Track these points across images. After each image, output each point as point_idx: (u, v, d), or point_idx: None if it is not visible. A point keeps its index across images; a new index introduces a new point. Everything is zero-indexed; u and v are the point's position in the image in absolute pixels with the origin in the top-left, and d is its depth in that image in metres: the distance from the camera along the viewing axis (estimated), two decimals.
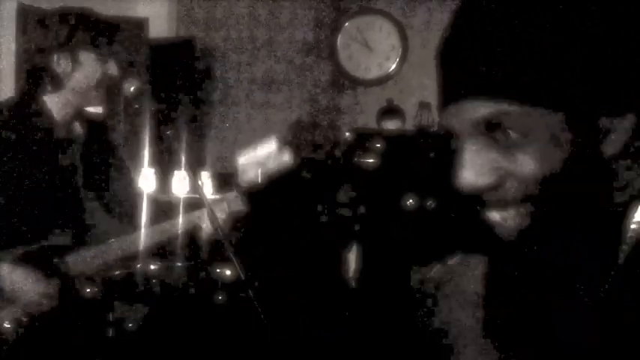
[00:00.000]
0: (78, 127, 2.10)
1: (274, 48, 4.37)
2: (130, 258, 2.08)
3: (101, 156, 2.14)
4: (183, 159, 2.16)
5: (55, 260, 1.95)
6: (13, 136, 1.95)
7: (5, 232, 1.90)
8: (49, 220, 1.99)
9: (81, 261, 1.98)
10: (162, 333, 2.14)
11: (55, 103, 2.02)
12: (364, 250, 3.29)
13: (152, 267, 2.32)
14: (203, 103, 4.45)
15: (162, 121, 2.27)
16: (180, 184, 3.62)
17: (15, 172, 1.93)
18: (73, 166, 2.06)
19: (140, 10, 4.20)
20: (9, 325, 1.87)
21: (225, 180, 3.77)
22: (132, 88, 2.04)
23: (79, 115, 2.07)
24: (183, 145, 2.20)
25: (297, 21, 4.32)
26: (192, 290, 2.42)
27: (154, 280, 2.19)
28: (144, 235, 2.05)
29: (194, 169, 2.19)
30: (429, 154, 3.67)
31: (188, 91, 4.16)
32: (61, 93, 2.01)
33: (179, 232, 2.05)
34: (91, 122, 2.12)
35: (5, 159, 1.92)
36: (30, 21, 3.75)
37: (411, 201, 3.65)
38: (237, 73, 4.45)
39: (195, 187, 2.12)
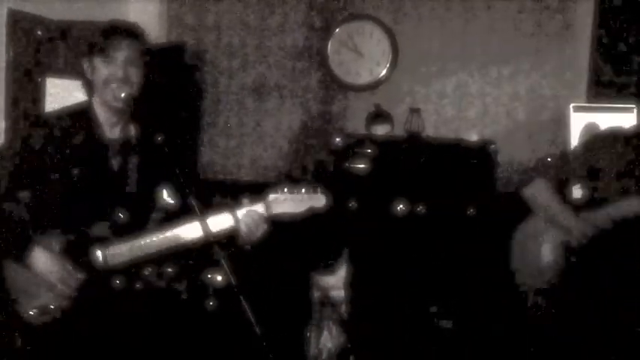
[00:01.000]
0: (132, 130, 2.24)
1: (265, 54, 4.37)
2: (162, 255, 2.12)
3: (153, 158, 2.20)
4: (174, 164, 2.16)
5: (95, 250, 2.07)
6: (67, 147, 2.12)
7: (55, 220, 2.10)
8: (93, 213, 2.12)
9: (118, 252, 2.08)
10: (152, 337, 2.14)
11: (99, 107, 2.19)
12: (355, 257, 3.29)
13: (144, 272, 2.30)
14: (193, 109, 4.45)
15: (153, 126, 2.29)
16: (168, 193, 3.60)
17: (66, 171, 2.10)
18: (124, 166, 2.19)
19: (130, 15, 4.19)
20: (35, 311, 2.00)
21: (215, 187, 3.77)
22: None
23: (126, 117, 2.21)
24: (174, 151, 2.20)
25: (288, 27, 4.33)
26: (184, 295, 2.41)
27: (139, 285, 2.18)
28: (177, 233, 2.09)
29: (184, 176, 2.19)
30: (419, 159, 3.68)
31: (178, 96, 4.15)
32: (96, 96, 2.18)
33: (212, 233, 2.07)
34: (144, 125, 2.24)
35: (56, 160, 2.10)
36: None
37: (401, 206, 3.66)
38: (228, 78, 4.45)
39: (184, 199, 2.12)
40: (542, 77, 3.97)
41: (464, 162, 3.63)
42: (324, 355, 2.88)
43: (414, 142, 3.79)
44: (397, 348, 3.13)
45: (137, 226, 2.16)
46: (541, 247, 2.62)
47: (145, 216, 2.21)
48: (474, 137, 3.80)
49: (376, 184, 3.64)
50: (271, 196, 2.14)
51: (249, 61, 4.41)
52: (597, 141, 2.63)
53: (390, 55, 4.10)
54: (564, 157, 2.73)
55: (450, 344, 3.39)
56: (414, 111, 3.87)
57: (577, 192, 2.68)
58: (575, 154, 2.72)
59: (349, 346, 2.89)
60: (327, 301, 2.90)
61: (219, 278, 2.34)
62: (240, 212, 2.12)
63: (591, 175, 2.59)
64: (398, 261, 3.56)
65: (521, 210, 3.40)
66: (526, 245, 2.68)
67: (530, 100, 4.00)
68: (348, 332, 2.91)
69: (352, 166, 3.66)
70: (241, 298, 1.97)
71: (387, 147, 3.72)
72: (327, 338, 2.92)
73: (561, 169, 2.69)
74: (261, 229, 2.13)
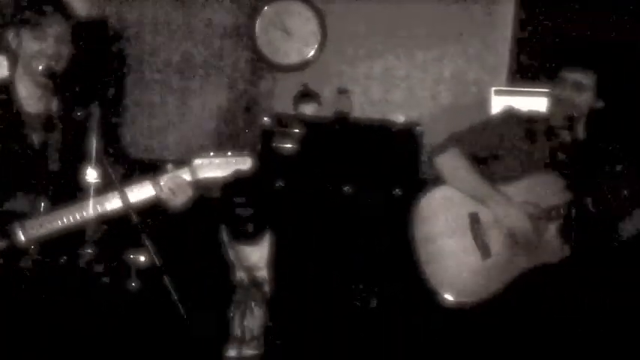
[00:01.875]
0: (54, 105, 2.20)
1: (191, 31, 4.27)
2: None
3: (76, 134, 2.18)
4: (94, 143, 2.10)
5: (14, 224, 2.02)
6: None
7: None
8: (13, 189, 2.09)
9: (36, 225, 2.04)
10: (73, 321, 2.08)
11: (23, 81, 2.15)
12: (281, 236, 3.28)
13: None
14: (116, 86, 4.31)
15: (74, 102, 2.24)
16: (90, 169, 3.48)
17: None
18: (46, 141, 2.15)
19: None
20: None
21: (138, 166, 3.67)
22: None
23: (50, 92, 2.16)
24: (95, 129, 2.14)
25: (215, 4, 4.24)
26: (105, 278, 2.34)
27: (62, 260, 2.12)
28: (96, 204, 2.06)
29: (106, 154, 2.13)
30: (346, 140, 3.70)
31: (100, 73, 4.02)
32: (20, 70, 2.14)
33: (131, 204, 2.03)
34: (67, 101, 2.21)
35: None
36: None
37: (329, 186, 3.68)
38: (153, 56, 4.33)
39: (106, 172, 2.08)
40: (466, 62, 4.06)
41: (390, 143, 3.68)
42: (247, 335, 2.87)
43: (341, 122, 3.81)
44: (321, 327, 3.16)
45: (60, 203, 2.10)
46: (447, 217, 2.60)
47: (67, 193, 2.14)
48: (400, 119, 3.86)
49: (304, 164, 3.64)
50: (196, 161, 2.13)
51: (175, 37, 4.29)
52: (511, 119, 2.69)
53: (319, 36, 4.09)
54: (474, 129, 2.74)
55: (374, 323, 3.45)
56: (342, 92, 3.89)
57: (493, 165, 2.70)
58: (484, 127, 2.74)
59: (272, 325, 2.89)
60: (250, 281, 2.89)
61: (142, 258, 2.28)
62: (163, 179, 2.10)
63: (499, 149, 2.64)
64: (324, 241, 3.58)
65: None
66: (431, 215, 2.63)
67: (454, 83, 4.09)
68: (271, 312, 2.91)
69: (280, 145, 3.64)
70: (165, 278, 1.94)
71: (314, 127, 3.72)
72: (251, 318, 2.91)
73: (471, 140, 2.70)
74: (186, 194, 2.12)
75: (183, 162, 2.13)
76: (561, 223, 2.48)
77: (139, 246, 2.16)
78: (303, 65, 4.14)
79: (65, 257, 2.13)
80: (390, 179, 3.63)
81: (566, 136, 2.56)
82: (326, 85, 4.07)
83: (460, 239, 2.56)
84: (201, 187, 2.14)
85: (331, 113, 3.87)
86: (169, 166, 2.13)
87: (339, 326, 3.27)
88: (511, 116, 2.71)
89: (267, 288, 3.03)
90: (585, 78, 2.49)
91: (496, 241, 2.53)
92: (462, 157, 2.65)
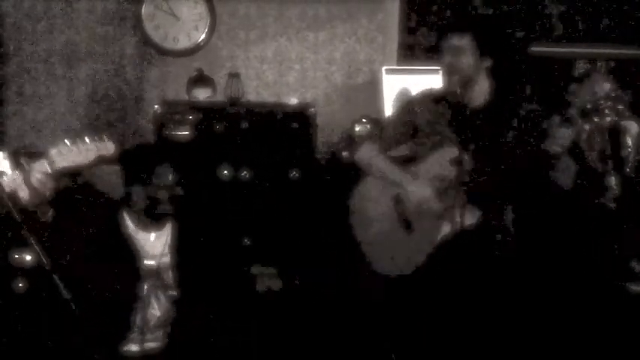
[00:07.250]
0: None
1: (73, 17, 4.10)
2: None
3: None
4: None
5: None
6: None
7: None
8: None
9: None
10: None
11: None
12: (181, 226, 3.24)
13: None
14: None
15: None
16: None
17: None
18: None
19: None
20: None
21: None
22: None
23: None
24: None
25: None
26: None
27: None
28: None
29: None
30: (240, 124, 3.69)
31: None
32: None
33: None
34: None
35: None
36: None
37: (225, 172, 3.66)
38: (33, 44, 4.12)
39: None
40: (356, 42, 4.12)
41: (284, 126, 3.70)
42: (152, 324, 2.83)
43: (234, 107, 3.79)
44: (226, 312, 3.16)
45: None
46: (378, 204, 2.75)
47: None
48: (293, 101, 3.89)
49: (199, 150, 3.60)
50: (53, 151, 2.02)
51: (56, 25, 4.10)
52: (413, 103, 2.79)
53: (208, 19, 4.03)
54: (381, 125, 2.89)
55: (279, 304, 3.48)
56: (234, 76, 3.86)
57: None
58: (393, 120, 2.89)
59: (176, 313, 2.86)
60: (152, 270, 2.85)
61: (29, 258, 2.19)
62: (19, 173, 1.98)
63: (412, 134, 2.76)
64: (225, 227, 3.57)
65: (341, 169, 3.56)
66: (363, 205, 2.81)
67: (345, 64, 4.14)
68: (175, 299, 2.88)
69: (173, 133, 3.58)
70: (55, 277, 1.88)
71: (207, 113, 3.69)
72: (155, 307, 2.87)
73: (381, 136, 2.85)
74: (48, 186, 2.01)
75: (38, 153, 2.02)
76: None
77: (24, 244, 2.06)
78: (195, 50, 4.07)
79: None
80: (286, 161, 3.66)
81: (462, 101, 2.61)
82: (219, 69, 4.03)
83: (388, 220, 2.72)
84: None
85: (224, 98, 3.84)
86: (24, 159, 2.01)
87: (244, 312, 3.29)
88: (410, 103, 2.80)
89: (170, 275, 2.99)
90: (460, 41, 2.57)
91: (416, 217, 2.65)
92: (374, 148, 2.83)
